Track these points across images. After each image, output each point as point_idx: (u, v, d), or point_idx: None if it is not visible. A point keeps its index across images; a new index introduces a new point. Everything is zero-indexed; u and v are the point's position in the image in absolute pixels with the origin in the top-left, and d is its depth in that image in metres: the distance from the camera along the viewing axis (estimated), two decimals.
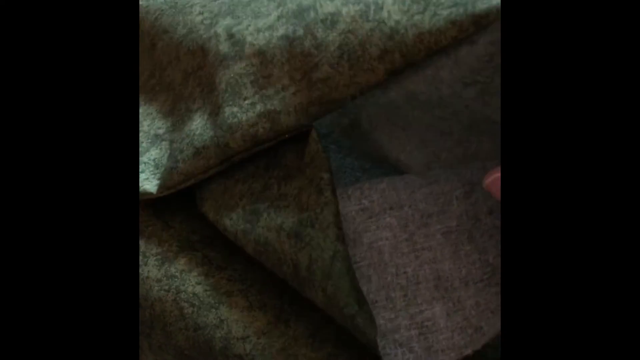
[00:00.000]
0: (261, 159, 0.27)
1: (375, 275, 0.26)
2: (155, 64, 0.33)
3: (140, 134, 0.32)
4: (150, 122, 0.32)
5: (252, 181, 0.28)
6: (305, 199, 0.26)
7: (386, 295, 0.26)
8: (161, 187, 0.29)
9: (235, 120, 0.27)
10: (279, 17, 0.27)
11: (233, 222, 0.27)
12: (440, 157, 0.28)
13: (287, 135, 0.26)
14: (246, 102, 0.27)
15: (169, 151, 0.30)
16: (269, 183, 0.27)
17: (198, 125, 0.28)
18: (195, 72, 0.30)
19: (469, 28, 0.22)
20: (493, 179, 0.25)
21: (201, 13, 0.31)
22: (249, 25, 0.28)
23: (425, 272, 0.26)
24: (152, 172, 0.30)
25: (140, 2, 0.36)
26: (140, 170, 0.30)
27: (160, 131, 0.31)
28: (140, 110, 0.33)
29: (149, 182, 0.29)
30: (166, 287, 0.28)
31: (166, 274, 0.28)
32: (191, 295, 0.27)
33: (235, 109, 0.27)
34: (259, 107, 0.26)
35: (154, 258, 0.29)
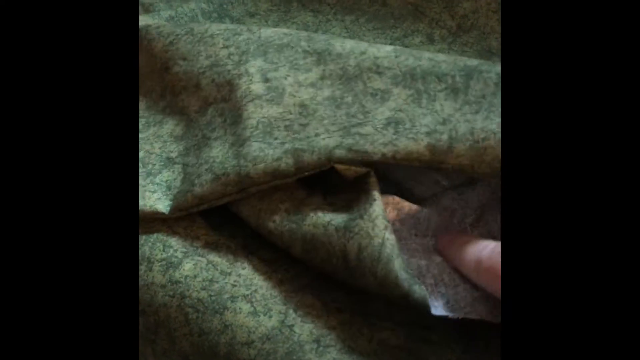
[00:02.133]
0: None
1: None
2: (166, 86, 0.34)
3: (153, 156, 0.32)
4: (161, 145, 0.33)
5: (294, 189, 0.28)
6: (355, 205, 0.27)
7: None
8: (174, 208, 0.30)
9: (262, 153, 0.28)
10: (322, 77, 0.29)
11: (277, 224, 0.28)
12: (440, 183, 0.30)
13: (306, 173, 0.27)
14: (276, 141, 0.28)
15: (182, 174, 0.31)
16: (313, 193, 0.28)
17: (219, 154, 0.29)
18: (218, 103, 0.31)
19: None
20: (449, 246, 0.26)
21: (226, 47, 0.32)
22: (288, 75, 0.30)
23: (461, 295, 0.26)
24: (164, 193, 0.30)
25: (149, 22, 0.36)
26: (152, 190, 0.31)
27: (173, 155, 0.32)
28: (151, 131, 0.33)
29: (161, 202, 0.30)
30: (171, 293, 0.28)
31: (171, 280, 0.28)
32: (196, 300, 0.27)
33: (263, 145, 0.28)
34: (287, 146, 0.27)
35: (159, 264, 0.29)
